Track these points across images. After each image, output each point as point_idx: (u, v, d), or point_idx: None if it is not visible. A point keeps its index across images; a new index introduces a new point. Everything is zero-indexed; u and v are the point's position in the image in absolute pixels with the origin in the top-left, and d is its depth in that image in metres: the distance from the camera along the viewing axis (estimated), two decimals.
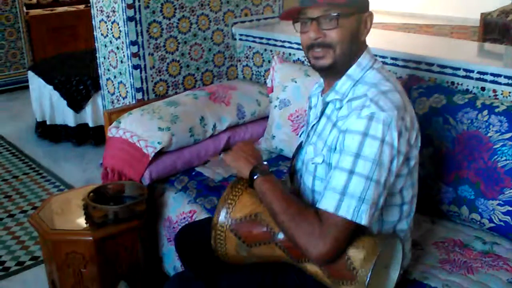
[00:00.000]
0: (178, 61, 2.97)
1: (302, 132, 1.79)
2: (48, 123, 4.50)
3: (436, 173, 2.01)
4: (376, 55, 1.64)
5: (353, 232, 1.38)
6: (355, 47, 1.50)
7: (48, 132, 4.54)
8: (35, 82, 4.49)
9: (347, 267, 1.38)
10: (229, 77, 3.24)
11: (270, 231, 1.53)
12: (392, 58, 2.44)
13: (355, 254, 1.38)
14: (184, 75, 3.03)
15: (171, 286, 1.74)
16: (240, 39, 3.18)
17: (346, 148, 1.39)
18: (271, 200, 1.48)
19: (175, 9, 2.87)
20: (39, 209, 2.37)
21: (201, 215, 2.22)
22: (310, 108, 1.73)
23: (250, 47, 3.14)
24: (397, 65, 2.42)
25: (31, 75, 4.56)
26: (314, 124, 1.63)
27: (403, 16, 10.74)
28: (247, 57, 3.18)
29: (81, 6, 7.33)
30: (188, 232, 2.00)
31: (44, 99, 4.43)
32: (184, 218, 2.27)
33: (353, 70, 1.51)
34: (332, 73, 1.53)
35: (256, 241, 1.56)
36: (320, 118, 1.60)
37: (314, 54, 1.51)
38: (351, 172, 1.36)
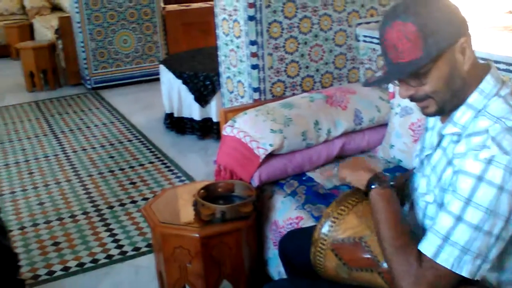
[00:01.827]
0: (297, 62, 2.94)
1: (417, 155, 1.64)
2: (175, 115, 4.69)
3: None
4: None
5: (460, 282, 1.25)
6: (459, 82, 1.31)
7: (175, 124, 4.73)
8: (166, 76, 4.69)
9: None
10: (350, 80, 3.14)
11: (374, 259, 1.45)
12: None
13: None
14: (303, 76, 2.98)
15: None
16: (364, 41, 3.07)
17: (458, 190, 1.24)
18: (382, 222, 1.38)
19: (297, 8, 2.84)
20: (152, 200, 2.46)
21: (308, 222, 2.17)
22: (426, 129, 1.56)
23: (374, 49, 3.01)
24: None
25: (162, 68, 4.78)
26: (428, 154, 1.48)
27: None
28: (370, 60, 3.06)
29: None
30: (292, 238, 1.97)
31: (173, 92, 4.62)
32: (291, 223, 2.23)
33: (474, 98, 1.32)
34: (444, 113, 1.38)
35: (358, 266, 1.48)
36: (435, 149, 1.45)
37: (417, 105, 1.38)
38: (459, 219, 1.23)
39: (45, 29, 7.19)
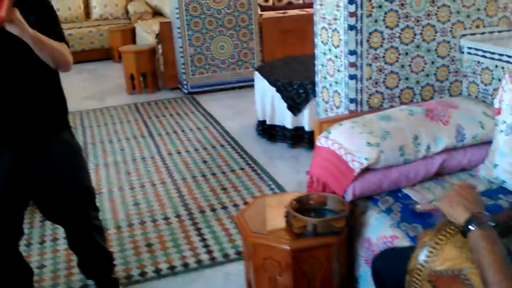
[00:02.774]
0: (397, 73, 2.84)
1: None
2: (267, 122, 4.70)
3: None
4: None
5: None
6: None
7: (267, 131, 4.74)
8: (260, 83, 4.72)
9: None
10: (452, 94, 3.00)
11: None
12: None
13: None
14: (402, 88, 2.88)
15: None
16: (469, 53, 2.92)
17: None
18: (487, 266, 1.29)
19: (399, 18, 2.74)
20: (244, 208, 2.47)
21: (403, 242, 2.08)
22: None
23: (479, 62, 2.86)
24: None
25: (257, 75, 4.81)
26: None
27: None
28: (474, 73, 2.90)
29: (312, 10, 7.54)
30: (386, 258, 1.91)
31: (267, 100, 4.64)
32: (384, 242, 2.15)
33: None
34: None
35: None
36: None
37: None
38: None
39: (146, 33, 7.47)
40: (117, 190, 3.94)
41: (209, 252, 3.07)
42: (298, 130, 4.51)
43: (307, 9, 7.86)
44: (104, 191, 3.92)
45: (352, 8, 2.63)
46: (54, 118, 2.30)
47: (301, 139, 4.52)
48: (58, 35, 2.20)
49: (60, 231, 3.29)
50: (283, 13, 7.01)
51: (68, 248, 2.66)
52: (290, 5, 9.07)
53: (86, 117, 5.76)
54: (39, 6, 2.19)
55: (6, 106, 2.15)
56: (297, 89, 4.35)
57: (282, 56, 5.61)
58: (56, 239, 3.29)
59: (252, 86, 5.10)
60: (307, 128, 4.42)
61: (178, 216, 3.50)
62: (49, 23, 2.18)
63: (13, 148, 2.21)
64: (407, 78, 2.88)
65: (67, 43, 2.24)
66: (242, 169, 4.20)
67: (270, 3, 9.12)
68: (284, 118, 4.54)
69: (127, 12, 9.08)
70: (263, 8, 7.50)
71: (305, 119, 4.41)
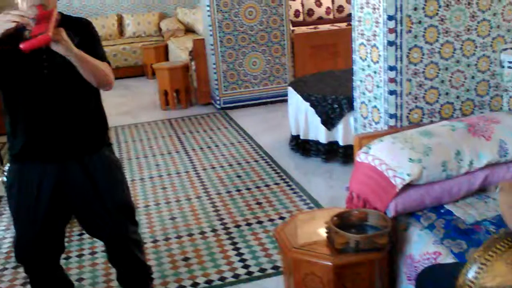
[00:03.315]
0: (437, 88, 2.82)
1: None
2: (301, 137, 4.70)
3: None
4: None
5: None
6: None
7: (301, 145, 4.74)
8: (294, 98, 4.73)
9: None
10: (492, 108, 2.97)
11: None
12: None
13: None
14: (442, 103, 2.86)
15: None
16: (509, 67, 2.89)
17: None
18: None
19: (439, 33, 2.74)
20: (284, 224, 2.47)
21: (447, 258, 2.06)
22: None
23: None
24: None
25: (290, 90, 4.82)
26: None
27: None
28: None
29: (343, 25, 7.56)
30: (431, 275, 1.89)
31: (300, 115, 4.64)
32: (428, 258, 2.13)
33: None
34: None
35: None
36: None
37: None
38: None
39: (179, 50, 7.57)
40: (154, 205, 3.98)
41: (246, 266, 3.07)
42: (332, 144, 4.50)
43: (338, 24, 7.89)
44: (140, 206, 3.96)
45: (391, 24, 2.63)
46: (95, 135, 2.34)
47: (335, 153, 4.51)
48: (101, 55, 2.24)
49: (99, 245, 3.33)
50: (315, 28, 7.05)
51: (107, 261, 2.69)
52: (320, 20, 9.10)
53: (122, 133, 5.85)
54: (83, 27, 2.25)
55: (51, 123, 2.20)
56: (331, 104, 4.35)
57: (314, 71, 5.62)
58: (94, 252, 3.34)
59: (283, 101, 5.12)
60: (341, 143, 4.40)
61: (214, 230, 3.51)
62: (92, 44, 2.23)
63: (57, 164, 2.25)
64: (447, 93, 2.86)
65: (109, 63, 2.29)
66: (276, 184, 4.20)
67: (301, 18, 9.17)
68: (318, 132, 4.54)
69: (159, 29, 9.23)
70: (294, 24, 7.54)
71: (339, 134, 4.40)
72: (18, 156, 2.25)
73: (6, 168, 3.72)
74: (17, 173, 2.29)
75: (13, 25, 1.91)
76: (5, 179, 3.70)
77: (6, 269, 3.25)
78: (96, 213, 2.36)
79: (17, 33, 1.97)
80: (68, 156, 2.26)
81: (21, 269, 3.14)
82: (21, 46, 1.85)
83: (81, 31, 2.22)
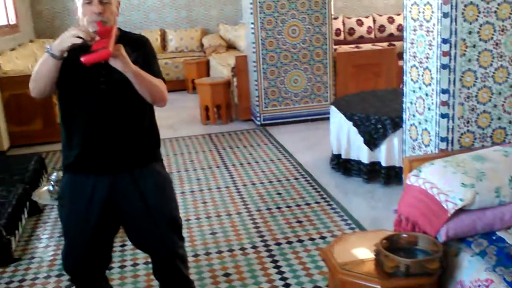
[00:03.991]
0: (489, 112, 2.79)
1: None
2: (343, 156, 4.68)
3: None
4: None
5: None
6: None
7: (342, 165, 4.72)
8: (336, 117, 4.72)
9: None
10: None
11: None
12: None
13: None
14: (494, 127, 2.82)
15: None
16: None
17: None
18: None
19: (493, 58, 2.70)
20: (332, 244, 2.45)
21: (499, 286, 2.01)
22: None
23: None
24: None
25: (333, 109, 4.81)
26: None
27: None
28: None
29: (384, 44, 7.55)
30: None
31: (342, 134, 4.63)
32: (479, 286, 2.09)
33: None
34: None
35: None
36: None
37: None
38: None
39: (221, 66, 7.65)
40: (194, 219, 4.00)
41: (287, 285, 3.05)
42: (374, 165, 4.46)
43: (379, 44, 7.89)
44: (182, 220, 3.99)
45: (445, 47, 2.62)
46: (148, 150, 2.37)
47: (377, 174, 4.47)
48: (156, 72, 2.28)
49: (140, 257, 3.37)
50: (356, 47, 7.04)
51: (149, 273, 2.70)
52: (361, 39, 9.11)
53: (163, 146, 5.88)
54: (141, 44, 2.29)
55: (105, 137, 2.24)
56: (375, 124, 4.32)
57: (355, 90, 5.61)
58: (136, 264, 3.37)
59: (324, 119, 5.12)
60: (383, 163, 4.37)
61: (254, 247, 3.51)
62: (148, 61, 2.27)
63: (108, 176, 2.29)
64: (499, 118, 2.81)
65: (164, 80, 2.32)
66: (317, 202, 4.18)
67: (342, 37, 9.19)
68: (360, 152, 4.51)
69: (201, 45, 9.35)
70: (335, 42, 7.55)
71: (382, 154, 4.36)
72: (72, 166, 2.30)
73: (53, 177, 3.81)
74: (69, 183, 2.33)
75: (79, 41, 1.97)
76: (51, 188, 3.79)
77: (50, 276, 3.30)
78: (145, 227, 2.38)
79: (78, 47, 2.02)
80: (120, 169, 2.29)
81: (64, 277, 3.21)
82: (82, 59, 1.90)
83: (138, 47, 2.26)
